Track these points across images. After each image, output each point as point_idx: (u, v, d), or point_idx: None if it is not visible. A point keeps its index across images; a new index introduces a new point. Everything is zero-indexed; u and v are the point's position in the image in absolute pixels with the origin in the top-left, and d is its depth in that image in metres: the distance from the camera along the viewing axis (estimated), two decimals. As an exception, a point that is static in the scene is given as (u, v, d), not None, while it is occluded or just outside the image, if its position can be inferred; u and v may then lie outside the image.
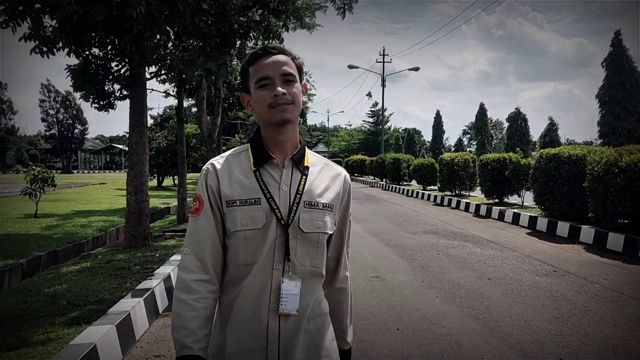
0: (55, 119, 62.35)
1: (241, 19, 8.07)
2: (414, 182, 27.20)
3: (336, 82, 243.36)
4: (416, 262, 7.79)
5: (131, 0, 6.34)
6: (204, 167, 1.64)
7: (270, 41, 8.69)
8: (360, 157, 46.03)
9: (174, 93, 14.69)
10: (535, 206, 12.61)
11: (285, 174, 1.59)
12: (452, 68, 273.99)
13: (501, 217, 13.48)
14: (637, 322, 5.01)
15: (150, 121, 50.42)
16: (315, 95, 31.87)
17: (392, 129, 65.17)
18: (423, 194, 21.54)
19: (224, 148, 29.39)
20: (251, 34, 8.39)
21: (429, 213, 15.27)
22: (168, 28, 7.95)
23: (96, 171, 68.25)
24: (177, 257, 7.04)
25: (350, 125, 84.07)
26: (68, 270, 6.77)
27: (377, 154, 40.11)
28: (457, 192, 19.44)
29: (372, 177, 37.11)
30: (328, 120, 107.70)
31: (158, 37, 8.43)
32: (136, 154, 8.05)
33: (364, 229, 11.52)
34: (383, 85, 38.75)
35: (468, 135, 69.39)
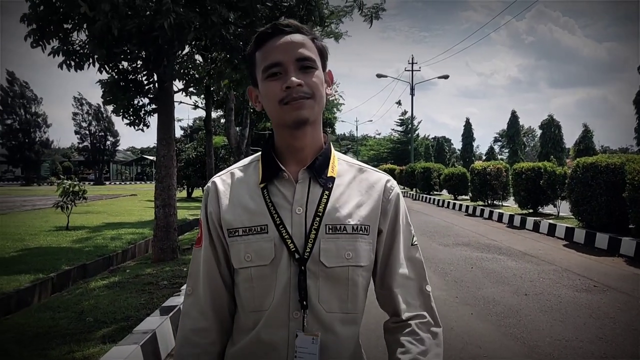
0: (87, 132, 63.68)
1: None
2: (444, 191, 26.78)
3: (364, 91, 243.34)
4: (449, 277, 7.54)
5: (163, 11, 6.33)
6: (206, 185, 1.35)
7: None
8: (390, 167, 45.65)
9: (203, 105, 14.78)
10: (572, 217, 12.20)
11: (299, 190, 1.23)
12: (482, 75, 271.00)
13: (536, 228, 13.07)
14: (689, 343, 4.69)
15: (180, 132, 51.13)
16: (343, 104, 31.92)
17: (421, 137, 64.63)
18: (454, 204, 21.15)
19: (252, 159, 29.46)
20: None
21: (461, 224, 14.94)
22: (195, 40, 7.96)
23: (127, 182, 69.46)
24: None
25: (379, 134, 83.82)
26: (96, 285, 6.76)
27: (407, 162, 39.77)
28: (489, 202, 19.01)
29: (402, 187, 36.74)
30: (357, 130, 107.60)
31: (186, 49, 8.46)
32: (164, 167, 8.05)
33: (394, 240, 11.27)
34: (412, 94, 38.49)
35: (499, 143, 68.24)
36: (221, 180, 1.32)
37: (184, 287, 6.22)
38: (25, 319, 5.23)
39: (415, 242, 1.34)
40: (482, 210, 17.54)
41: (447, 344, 4.64)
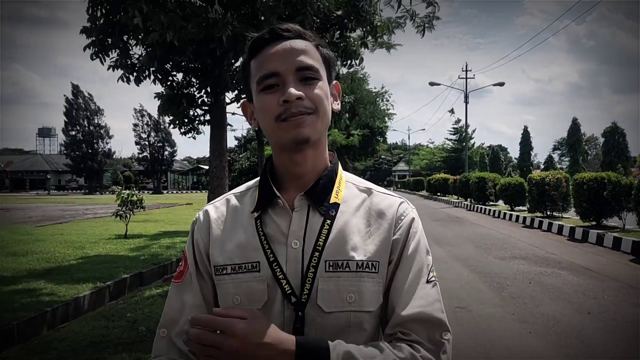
0: (147, 142, 65.94)
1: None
2: (500, 202, 25.99)
3: (417, 100, 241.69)
4: (505, 292, 7.24)
5: (220, 24, 6.44)
6: (197, 214, 1.20)
7: (350, 61, 8.57)
8: (443, 176, 44.83)
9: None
10: (639, 230, 11.52)
11: (296, 220, 1.06)
12: (539, 81, 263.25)
13: (599, 241, 12.42)
14: None
15: (234, 142, 52.15)
16: (395, 114, 31.62)
17: (475, 146, 63.20)
18: (511, 215, 20.47)
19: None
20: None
21: (518, 236, 14.42)
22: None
23: (184, 191, 71.37)
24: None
25: (432, 142, 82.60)
26: (150, 294, 6.89)
27: (461, 172, 38.92)
28: (548, 213, 18.29)
29: (456, 197, 35.97)
30: (409, 138, 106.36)
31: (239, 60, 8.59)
32: (216, 178, 8.17)
33: (447, 253, 10.99)
34: (466, 102, 37.74)
35: (558, 152, 65.85)
36: (214, 208, 1.17)
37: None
38: (80, 327, 5.37)
39: (432, 279, 1.09)
40: (541, 222, 16.87)
41: (503, 365, 4.43)
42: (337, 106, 1.15)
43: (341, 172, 1.16)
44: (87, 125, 61.63)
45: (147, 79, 7.67)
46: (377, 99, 28.24)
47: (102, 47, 7.23)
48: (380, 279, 1.06)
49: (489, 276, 8.38)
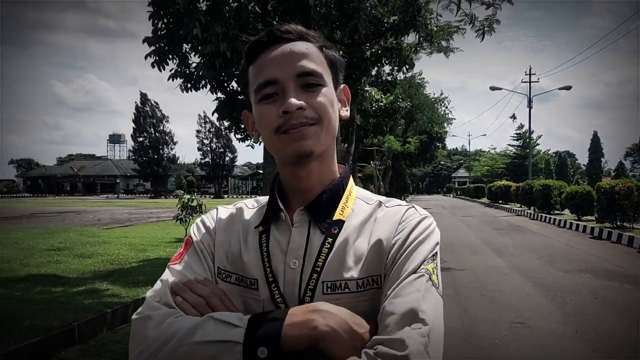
0: (209, 148, 67.85)
1: (375, 47, 7.97)
2: (566, 211, 24.87)
3: (477, 105, 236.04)
4: (568, 307, 6.88)
5: None
6: (208, 212, 1.13)
7: (404, 67, 8.46)
8: (505, 183, 43.48)
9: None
10: None
11: (296, 237, 0.98)
12: (610, 85, 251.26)
13: (675, 254, 11.64)
14: None
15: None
16: (454, 119, 30.90)
17: (540, 152, 60.97)
18: (577, 225, 19.53)
19: (359, 175, 29.70)
20: (384, 61, 8.24)
21: (584, 247, 13.72)
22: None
23: (244, 196, 72.73)
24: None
25: (494, 148, 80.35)
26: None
27: (524, 179, 37.62)
28: (618, 224, 17.32)
29: (519, 205, 34.78)
30: (469, 144, 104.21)
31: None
32: (269, 184, 8.23)
33: (507, 264, 10.60)
34: (529, 106, 36.46)
35: (631, 159, 62.45)
36: (226, 211, 1.11)
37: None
38: (136, 328, 5.52)
39: (423, 271, 0.90)
40: (610, 233, 15.99)
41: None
42: (346, 112, 1.06)
43: (351, 188, 1.06)
44: (153, 131, 64.23)
45: (205, 87, 7.86)
46: (436, 105, 27.76)
47: (162, 56, 7.47)
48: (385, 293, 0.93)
49: (551, 289, 8.00)
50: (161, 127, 65.06)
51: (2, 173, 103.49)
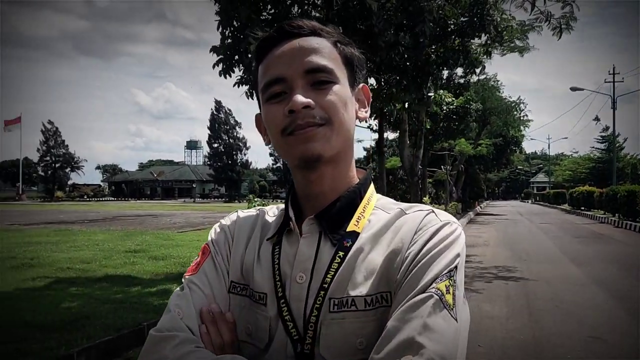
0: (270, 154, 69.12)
1: (440, 49, 7.80)
2: (655, 218, 23.17)
3: (557, 106, 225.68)
4: (652, 322, 6.38)
5: None
6: (227, 216, 1.08)
7: (472, 69, 8.22)
8: (588, 189, 41.19)
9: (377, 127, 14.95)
10: None
11: (304, 248, 0.90)
12: None
13: None
14: None
15: (362, 154, 52.70)
16: (532, 121, 29.65)
17: (627, 156, 57.25)
18: (667, 233, 18.17)
19: (429, 181, 29.11)
20: (450, 63, 8.03)
21: (673, 258, 12.70)
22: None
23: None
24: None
25: (576, 152, 76.37)
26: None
27: (609, 184, 35.47)
28: None
29: (602, 212, 32.82)
30: (549, 148, 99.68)
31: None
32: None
33: (585, 275, 9.99)
34: (614, 107, 34.38)
35: None
36: (246, 216, 1.04)
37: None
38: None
39: (432, 290, 0.79)
40: None
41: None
42: (364, 114, 0.97)
43: (371, 195, 0.96)
44: (227, 138, 66.31)
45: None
46: (512, 108, 26.75)
47: (228, 64, 7.68)
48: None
49: (631, 302, 7.44)
50: (235, 133, 67.02)
51: (90, 178, 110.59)
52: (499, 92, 27.26)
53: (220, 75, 7.73)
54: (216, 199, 70.82)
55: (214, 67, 7.81)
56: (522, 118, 28.00)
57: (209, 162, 69.68)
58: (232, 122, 67.20)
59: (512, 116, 27.12)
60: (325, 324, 0.84)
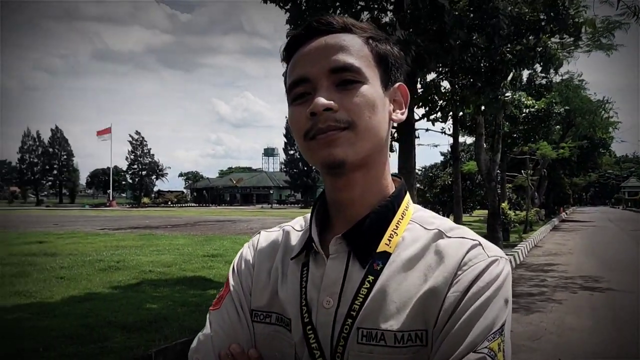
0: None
1: (516, 48, 7.49)
2: None
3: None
4: None
5: (402, 45, 6.49)
6: (252, 238, 1.02)
7: (549, 68, 7.84)
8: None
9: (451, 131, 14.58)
10: None
11: (332, 271, 0.83)
12: None
13: None
14: None
15: (440, 158, 51.84)
16: (620, 122, 27.74)
17: None
18: None
19: (509, 186, 27.95)
20: (527, 61, 7.69)
21: None
22: (437, 66, 7.92)
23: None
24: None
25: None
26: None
27: None
28: None
29: None
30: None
31: (432, 75, 8.49)
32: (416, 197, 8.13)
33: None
34: None
35: None
36: (268, 237, 0.98)
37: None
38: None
39: (484, 351, 0.73)
40: None
41: None
42: (400, 116, 0.88)
43: (406, 208, 0.87)
44: (302, 144, 67.38)
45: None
46: (599, 108, 25.19)
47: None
48: (432, 353, 0.77)
49: None
50: (310, 140, 68.05)
51: (174, 185, 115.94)
52: (584, 91, 25.78)
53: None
54: (292, 205, 71.90)
55: (284, 75, 7.93)
56: (609, 119, 26.30)
57: (285, 169, 71.11)
58: (307, 129, 68.34)
59: (599, 117, 25.54)
60: (353, 356, 0.78)
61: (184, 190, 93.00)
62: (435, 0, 6.65)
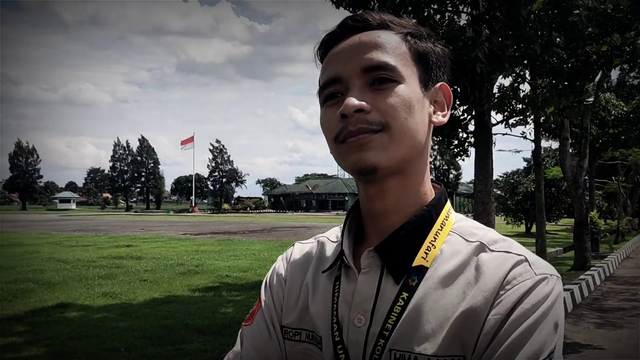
0: (432, 166, 67.94)
1: (602, 48, 7.04)
2: None
3: None
4: None
5: (477, 41, 6.28)
6: (286, 251, 0.97)
7: (634, 69, 7.30)
8: None
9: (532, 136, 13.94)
10: None
11: (364, 286, 0.77)
12: None
13: None
14: None
15: (523, 164, 50.02)
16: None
17: None
18: None
19: (598, 193, 26.30)
20: (614, 60, 7.21)
21: None
22: (514, 67, 7.59)
23: (469, 215, 70.79)
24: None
25: None
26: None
27: None
28: None
29: None
30: None
31: (509, 79, 8.16)
32: (481, 203, 7.81)
33: None
34: None
35: None
36: (302, 249, 0.92)
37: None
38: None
39: None
40: None
41: None
42: (442, 118, 0.82)
43: (446, 216, 0.80)
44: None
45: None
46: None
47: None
48: None
49: None
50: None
51: (252, 191, 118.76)
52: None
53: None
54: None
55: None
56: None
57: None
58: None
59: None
60: None
61: (262, 197, 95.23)
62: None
